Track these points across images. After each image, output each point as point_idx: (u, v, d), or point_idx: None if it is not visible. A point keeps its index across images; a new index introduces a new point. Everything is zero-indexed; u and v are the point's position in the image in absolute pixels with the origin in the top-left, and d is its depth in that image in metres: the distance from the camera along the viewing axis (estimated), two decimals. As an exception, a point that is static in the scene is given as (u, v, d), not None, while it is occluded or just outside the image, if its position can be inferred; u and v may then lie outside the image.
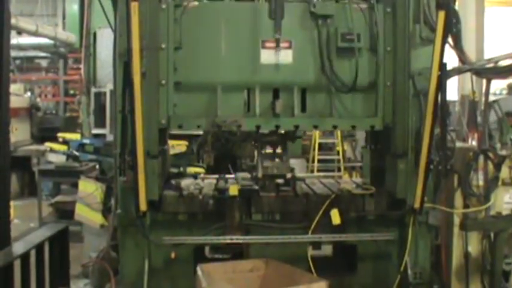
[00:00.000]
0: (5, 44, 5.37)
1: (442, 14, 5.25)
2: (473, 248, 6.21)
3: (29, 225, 12.46)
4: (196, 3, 5.77)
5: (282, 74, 5.77)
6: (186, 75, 5.72)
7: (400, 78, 5.77)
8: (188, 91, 5.75)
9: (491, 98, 6.78)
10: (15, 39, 16.19)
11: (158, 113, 5.60)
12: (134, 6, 5.15)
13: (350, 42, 5.71)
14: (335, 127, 6.03)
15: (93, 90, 12.61)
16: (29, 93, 18.36)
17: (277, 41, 5.70)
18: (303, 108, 5.84)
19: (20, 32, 16.90)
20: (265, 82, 5.77)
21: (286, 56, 5.76)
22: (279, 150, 6.40)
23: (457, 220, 6.19)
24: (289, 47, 5.76)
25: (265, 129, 5.85)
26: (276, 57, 5.74)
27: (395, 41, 5.79)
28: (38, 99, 19.75)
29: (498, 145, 6.37)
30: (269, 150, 6.35)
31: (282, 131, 6.15)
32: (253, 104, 5.76)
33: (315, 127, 6.04)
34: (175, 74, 5.69)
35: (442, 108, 5.42)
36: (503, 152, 6.23)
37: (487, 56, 13.18)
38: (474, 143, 6.51)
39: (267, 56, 5.75)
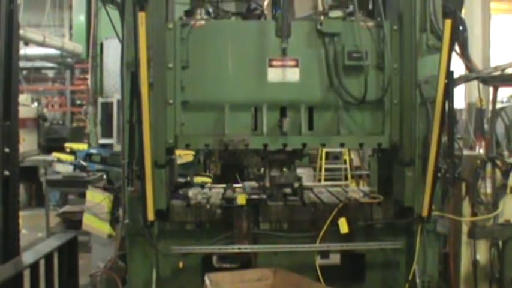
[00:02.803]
0: (13, 55, 5.40)
1: (448, 23, 5.25)
2: (482, 256, 6.20)
3: (36, 235, 12.50)
4: (203, 22, 5.79)
5: (289, 92, 5.78)
6: (193, 94, 5.74)
7: (407, 94, 5.76)
8: (196, 110, 5.76)
9: (499, 105, 6.78)
10: (22, 50, 16.25)
11: (166, 128, 5.63)
12: (141, 17, 5.16)
13: (357, 60, 5.72)
14: (342, 145, 6.00)
15: (100, 100, 12.67)
16: (36, 104, 18.44)
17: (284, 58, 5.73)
18: (310, 126, 5.84)
19: (27, 42, 16.98)
20: (273, 100, 5.77)
21: (293, 74, 5.77)
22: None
23: (465, 228, 6.18)
24: (296, 65, 5.78)
25: (272, 148, 5.84)
26: (283, 75, 5.75)
27: (402, 58, 5.79)
28: (45, 110, 19.84)
29: (506, 153, 6.37)
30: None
31: (289, 149, 6.13)
32: (261, 122, 5.76)
33: (322, 145, 6.02)
34: (183, 93, 5.70)
35: (449, 116, 5.41)
36: (511, 160, 6.22)
37: (493, 63, 13.18)
38: (481, 151, 6.50)
39: (274, 75, 5.76)
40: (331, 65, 5.75)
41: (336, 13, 5.90)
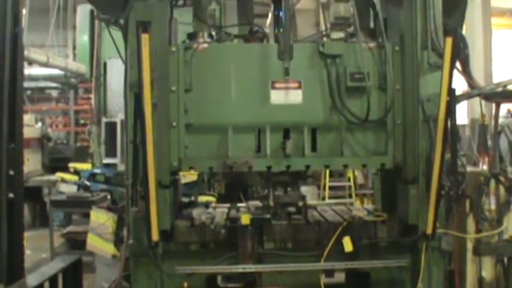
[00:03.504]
0: (18, 79, 5.43)
1: (449, 40, 5.27)
2: (487, 273, 6.18)
3: (40, 256, 12.50)
4: (205, 45, 5.84)
5: (292, 114, 5.80)
6: (196, 117, 5.75)
7: (409, 118, 5.77)
8: (199, 133, 5.78)
9: (501, 121, 6.79)
10: (26, 70, 16.26)
11: (170, 158, 5.65)
12: (145, 38, 5.20)
13: (359, 82, 5.75)
14: (346, 166, 6.02)
15: (104, 120, 12.71)
16: (40, 124, 18.51)
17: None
18: (314, 148, 5.86)
19: (31, 62, 17.06)
20: (276, 122, 5.79)
21: (296, 96, 5.80)
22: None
23: (470, 245, 6.17)
24: (299, 87, 5.80)
25: (276, 170, 5.85)
26: (285, 97, 5.77)
27: (404, 78, 5.81)
28: (49, 130, 19.90)
29: (509, 169, 6.37)
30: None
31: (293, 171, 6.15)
32: (264, 144, 5.78)
33: (326, 166, 6.08)
34: (186, 115, 5.73)
35: (452, 134, 5.42)
36: (515, 176, 6.23)
37: (496, 78, 13.19)
38: (485, 167, 6.50)
39: (276, 97, 5.78)
40: (334, 87, 5.78)
41: (338, 34, 5.93)
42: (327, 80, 5.80)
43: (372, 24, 6.25)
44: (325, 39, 6.00)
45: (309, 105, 5.81)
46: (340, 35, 6.09)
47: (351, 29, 6.04)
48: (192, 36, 6.05)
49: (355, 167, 6.30)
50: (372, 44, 5.88)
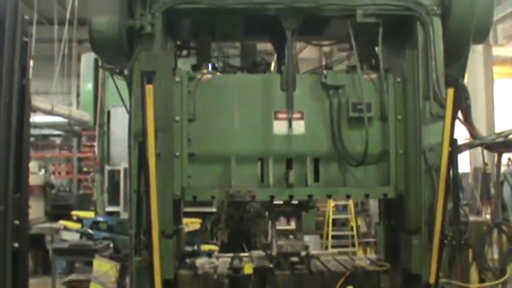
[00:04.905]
0: (25, 130, 5.47)
1: (451, 91, 5.33)
2: (491, 323, 6.15)
3: (42, 304, 12.42)
4: (209, 76, 5.91)
5: (294, 145, 5.82)
6: (200, 146, 5.78)
7: (411, 149, 5.80)
8: (202, 162, 5.80)
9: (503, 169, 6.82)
10: (30, 118, 16.45)
11: (173, 187, 5.66)
12: (149, 89, 5.25)
13: (361, 112, 5.78)
14: (348, 196, 6.03)
15: (107, 168, 12.73)
16: (43, 171, 18.55)
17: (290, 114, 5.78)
18: (316, 178, 5.87)
19: (35, 110, 17.19)
20: (279, 153, 5.81)
21: (298, 127, 5.83)
22: (293, 225, 6.40)
23: (473, 295, 6.14)
24: (302, 118, 5.84)
25: (279, 200, 5.87)
26: (288, 128, 5.80)
27: (406, 109, 5.85)
28: (52, 177, 19.93)
29: (512, 218, 6.38)
30: (283, 223, 6.34)
31: (296, 202, 6.16)
32: (267, 174, 5.79)
33: (329, 196, 6.05)
34: (189, 145, 5.76)
35: (454, 183, 5.44)
36: (517, 225, 6.23)
37: (498, 126, 13.25)
38: (488, 216, 6.51)
39: (279, 127, 5.81)
40: (335, 118, 5.81)
41: (340, 67, 5.98)
42: (329, 111, 5.85)
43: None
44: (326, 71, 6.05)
45: (311, 135, 5.84)
46: (342, 67, 6.14)
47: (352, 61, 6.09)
48: (196, 68, 6.14)
49: (357, 197, 6.29)
50: (374, 75, 5.94)
